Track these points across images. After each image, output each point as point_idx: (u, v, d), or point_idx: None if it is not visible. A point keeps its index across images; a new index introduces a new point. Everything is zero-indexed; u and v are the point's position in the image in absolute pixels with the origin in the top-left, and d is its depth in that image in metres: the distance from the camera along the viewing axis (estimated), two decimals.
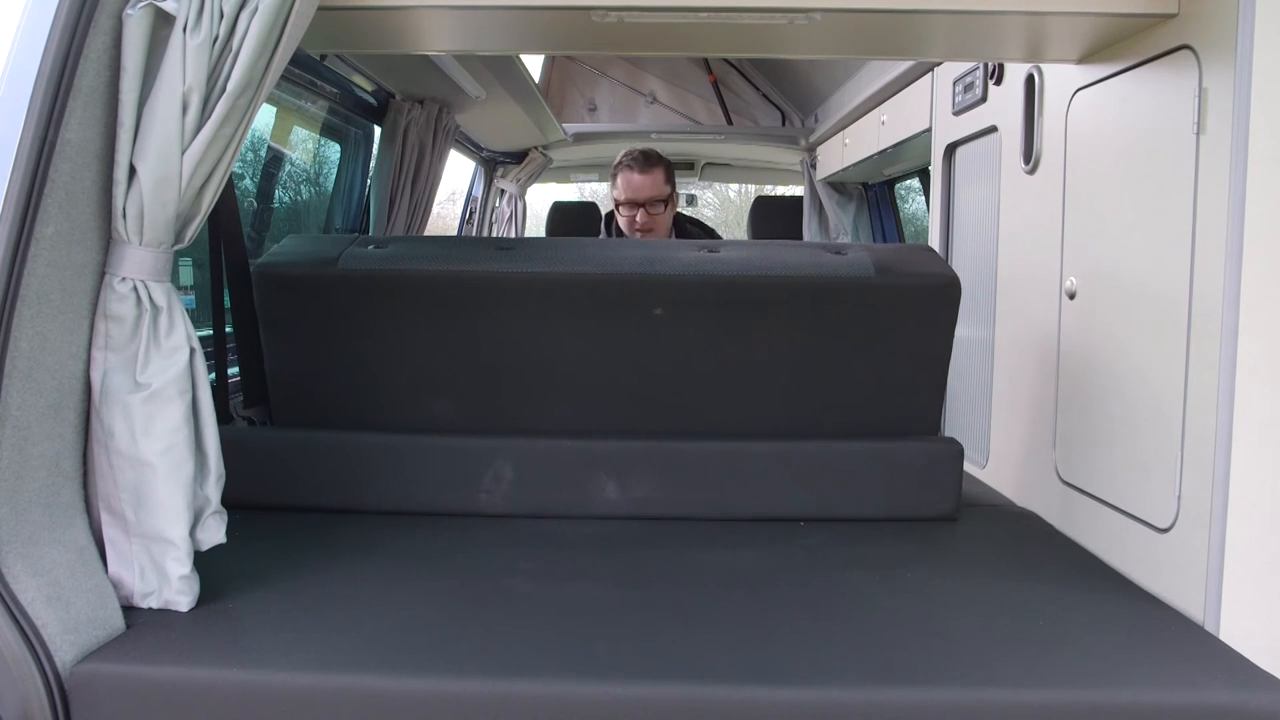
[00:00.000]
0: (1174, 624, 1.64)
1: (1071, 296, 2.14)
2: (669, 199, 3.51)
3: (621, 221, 3.52)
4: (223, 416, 2.40)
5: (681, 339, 2.26)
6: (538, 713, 1.39)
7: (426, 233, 4.02)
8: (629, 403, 2.31)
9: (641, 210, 3.45)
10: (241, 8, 1.53)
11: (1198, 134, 1.67)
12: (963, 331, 2.99)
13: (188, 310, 1.66)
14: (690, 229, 3.73)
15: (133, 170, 1.53)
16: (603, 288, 2.25)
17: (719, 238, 3.74)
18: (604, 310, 2.26)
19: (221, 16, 1.52)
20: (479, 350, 2.28)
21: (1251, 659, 1.50)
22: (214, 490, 1.68)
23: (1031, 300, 2.37)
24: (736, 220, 17.81)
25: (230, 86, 1.54)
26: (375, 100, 3.57)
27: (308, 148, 3.75)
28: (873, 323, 2.25)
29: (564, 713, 1.39)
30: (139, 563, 1.59)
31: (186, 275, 2.76)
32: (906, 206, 5.68)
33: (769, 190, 8.99)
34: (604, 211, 3.97)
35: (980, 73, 2.73)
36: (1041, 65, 2.33)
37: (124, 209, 1.53)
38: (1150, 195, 1.83)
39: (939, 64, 3.13)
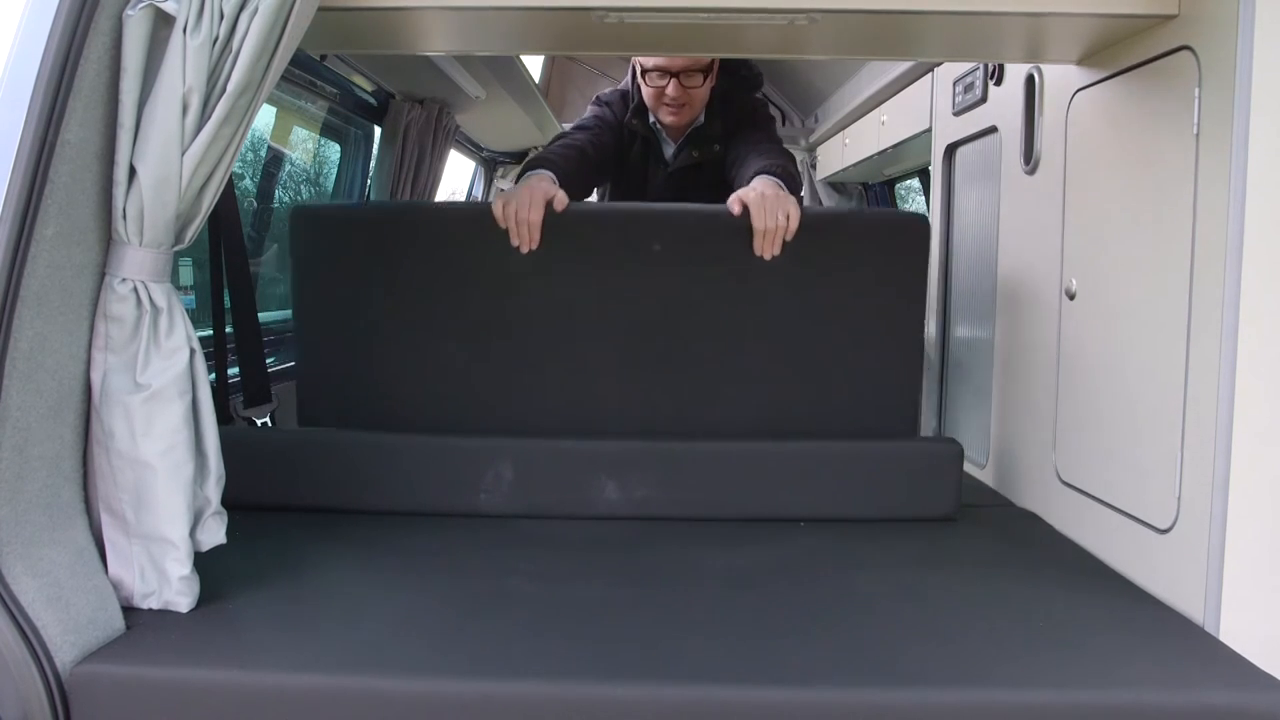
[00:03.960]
0: (1174, 624, 1.64)
1: (1071, 296, 2.15)
2: (709, 69, 2.77)
3: (646, 93, 2.82)
4: (223, 417, 2.40)
5: (671, 283, 2.31)
6: (538, 713, 1.39)
7: None
8: (624, 366, 2.33)
9: (674, 81, 2.73)
10: (241, 8, 1.53)
11: (1198, 135, 1.67)
12: (963, 332, 3.00)
13: (188, 310, 1.66)
14: (736, 102, 2.90)
15: (133, 171, 1.53)
16: (600, 233, 2.30)
17: (762, 100, 3.00)
18: (603, 253, 2.30)
19: (221, 17, 1.52)
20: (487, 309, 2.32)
21: (1251, 659, 1.50)
22: (214, 491, 1.68)
23: (1031, 300, 2.37)
24: None
25: (230, 87, 1.54)
26: (375, 100, 3.57)
27: (308, 148, 3.75)
28: (849, 255, 2.31)
29: (564, 713, 1.39)
30: (139, 563, 1.59)
31: (186, 275, 2.76)
32: (906, 206, 5.68)
33: None
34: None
35: (980, 73, 2.73)
36: (1041, 66, 2.33)
37: (124, 210, 1.53)
38: (1150, 196, 1.83)
39: (939, 64, 3.13)
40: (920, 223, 2.36)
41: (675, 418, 2.31)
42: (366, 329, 2.34)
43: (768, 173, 2.31)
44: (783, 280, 2.28)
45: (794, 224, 2.16)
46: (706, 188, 2.87)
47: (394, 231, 2.36)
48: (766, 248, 2.18)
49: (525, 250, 2.17)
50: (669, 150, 2.96)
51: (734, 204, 2.21)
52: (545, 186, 2.23)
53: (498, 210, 2.17)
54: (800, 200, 2.28)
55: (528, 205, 2.15)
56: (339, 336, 2.36)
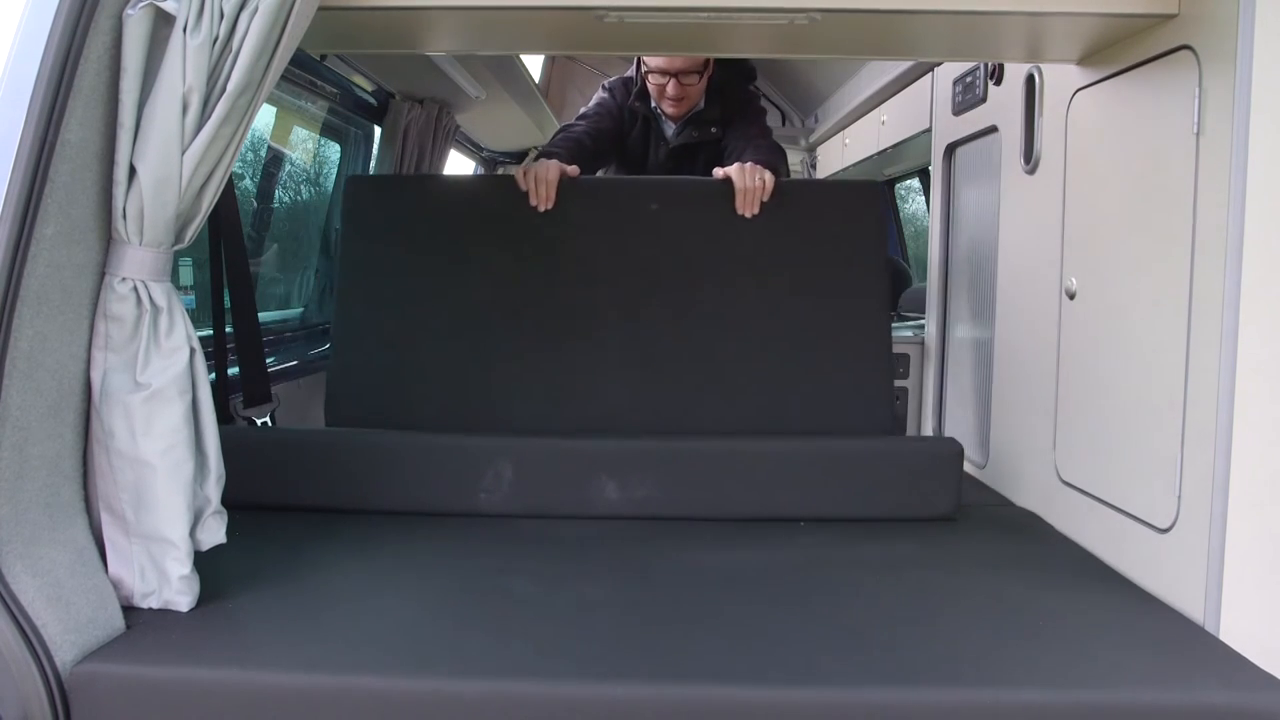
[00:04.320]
0: (1174, 624, 1.64)
1: (1071, 296, 2.15)
2: (704, 67, 3.07)
3: (651, 88, 3.15)
4: (223, 416, 2.40)
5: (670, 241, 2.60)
6: (538, 713, 1.39)
7: None
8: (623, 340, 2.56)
9: (674, 81, 3.04)
10: (241, 8, 1.53)
11: (1197, 134, 1.67)
12: (963, 332, 3.00)
13: (188, 310, 1.66)
14: (730, 95, 3.20)
15: (133, 170, 1.53)
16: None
17: (756, 93, 3.30)
18: (609, 218, 2.60)
19: (221, 16, 1.52)
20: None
21: (1251, 659, 1.50)
22: (214, 490, 1.68)
23: (1031, 300, 2.37)
24: None
25: (230, 86, 1.54)
26: (375, 100, 3.57)
27: (308, 148, 3.75)
28: (815, 221, 2.62)
29: (564, 713, 1.39)
30: (139, 563, 1.59)
31: (186, 275, 2.76)
32: (906, 206, 5.68)
33: None
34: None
35: (980, 73, 2.73)
36: (1041, 65, 2.33)
37: (124, 209, 1.54)
38: (1150, 195, 1.83)
39: (939, 64, 3.13)
40: (872, 188, 2.76)
41: (666, 395, 2.53)
42: (404, 293, 2.59)
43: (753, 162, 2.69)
44: (764, 269, 2.58)
45: (769, 186, 2.56)
46: (704, 167, 3.14)
47: (436, 199, 2.71)
48: (747, 206, 2.57)
49: (543, 208, 2.55)
50: (669, 130, 3.25)
51: (717, 171, 2.64)
52: (558, 161, 2.64)
53: (519, 175, 2.57)
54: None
55: (545, 169, 2.57)
56: (378, 296, 2.60)
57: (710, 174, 2.75)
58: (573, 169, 2.62)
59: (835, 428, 2.48)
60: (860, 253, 2.60)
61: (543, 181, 2.54)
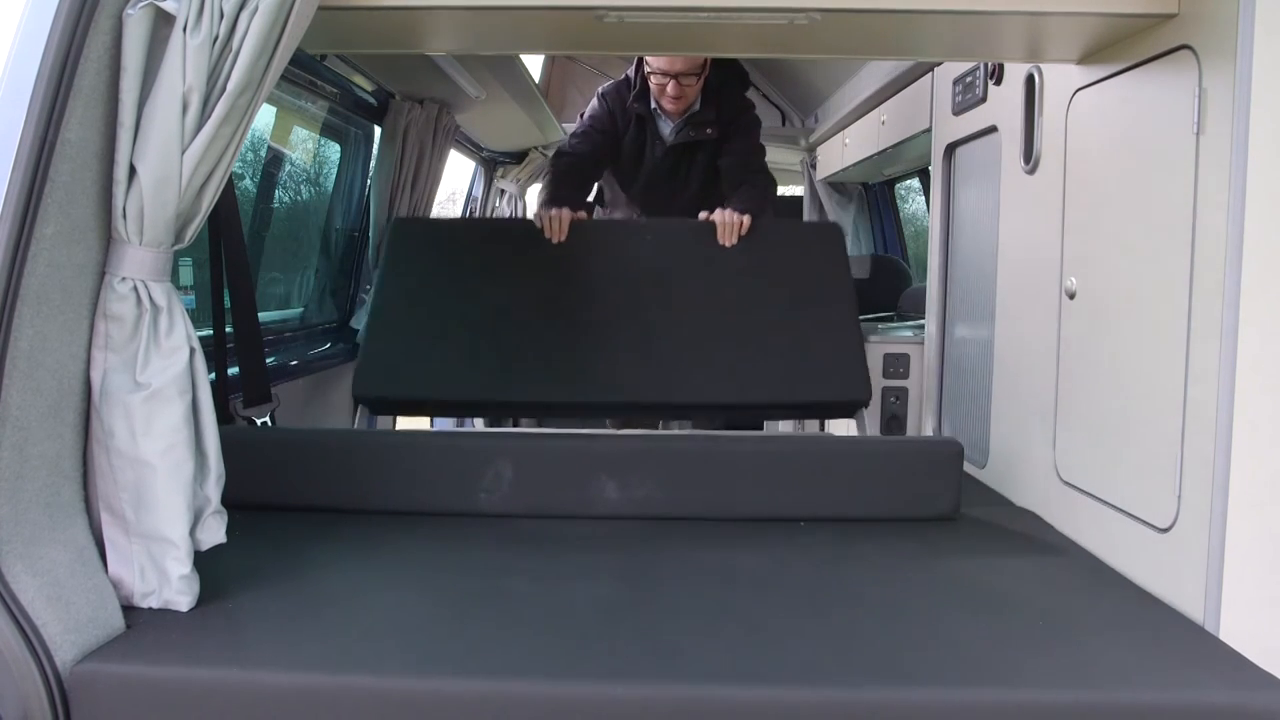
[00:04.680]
0: (1174, 624, 1.64)
1: (1071, 296, 2.15)
2: (702, 69, 3.32)
3: (652, 85, 3.38)
4: (223, 416, 2.41)
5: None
6: (538, 713, 1.39)
7: None
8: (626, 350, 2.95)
9: (673, 82, 3.29)
10: (241, 8, 1.53)
11: (1198, 134, 1.67)
12: (963, 331, 3.00)
13: (188, 310, 1.66)
14: (725, 100, 3.44)
15: (133, 170, 1.53)
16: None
17: (750, 103, 3.52)
18: (608, 252, 3.09)
19: (221, 16, 1.52)
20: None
21: (1251, 659, 1.50)
22: (214, 490, 1.68)
23: (1031, 300, 2.37)
24: None
25: (230, 86, 1.54)
26: (375, 100, 3.57)
27: (308, 148, 3.75)
28: (787, 254, 3.11)
29: (564, 713, 1.39)
30: (139, 562, 1.59)
31: (186, 275, 2.76)
32: (906, 206, 5.69)
33: None
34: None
35: (980, 73, 2.73)
36: (1041, 65, 2.33)
37: (124, 209, 1.54)
38: (1150, 195, 1.83)
39: (939, 64, 3.14)
40: (834, 229, 3.34)
41: (663, 387, 2.90)
42: (435, 295, 3.02)
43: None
44: (744, 279, 3.03)
45: (747, 222, 3.08)
46: (699, 167, 3.48)
47: (467, 232, 3.28)
48: (726, 237, 3.07)
49: (556, 240, 3.04)
50: (666, 128, 3.49)
51: (702, 215, 3.13)
52: (568, 210, 3.13)
53: (536, 218, 3.10)
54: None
55: (559, 212, 3.07)
56: (412, 296, 3.04)
57: (705, 174, 3.22)
58: (580, 215, 3.10)
59: (818, 396, 2.95)
60: (827, 263, 3.09)
61: (557, 219, 3.05)
